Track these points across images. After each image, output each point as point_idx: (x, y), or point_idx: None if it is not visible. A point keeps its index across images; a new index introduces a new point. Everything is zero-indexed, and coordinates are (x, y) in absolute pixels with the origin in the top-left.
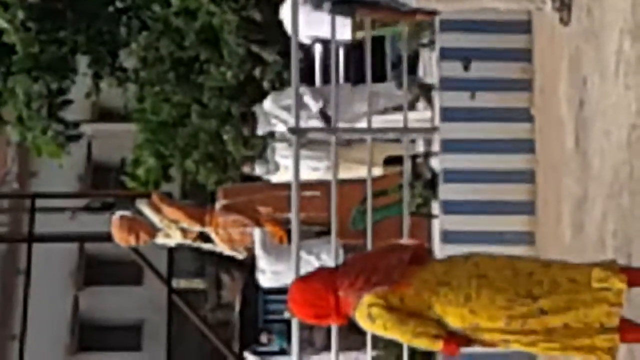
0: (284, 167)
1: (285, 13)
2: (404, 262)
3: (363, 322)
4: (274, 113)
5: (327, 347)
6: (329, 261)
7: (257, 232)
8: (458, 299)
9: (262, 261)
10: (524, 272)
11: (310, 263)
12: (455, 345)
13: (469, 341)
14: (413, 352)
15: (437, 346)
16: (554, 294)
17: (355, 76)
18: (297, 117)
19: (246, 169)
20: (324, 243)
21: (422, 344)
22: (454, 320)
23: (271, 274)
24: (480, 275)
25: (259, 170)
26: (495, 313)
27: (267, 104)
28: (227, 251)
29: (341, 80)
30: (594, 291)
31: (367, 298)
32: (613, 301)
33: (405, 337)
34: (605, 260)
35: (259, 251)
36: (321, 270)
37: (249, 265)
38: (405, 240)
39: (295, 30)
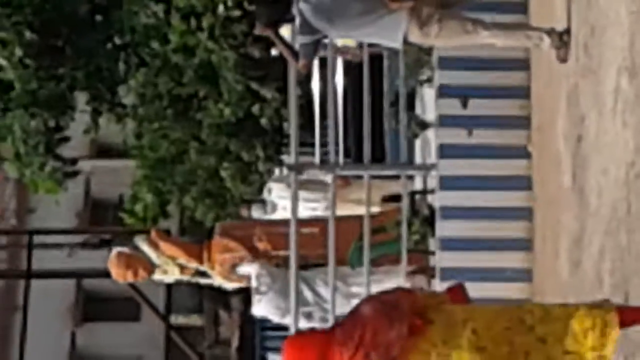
0: (281, 207)
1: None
2: (402, 337)
3: None
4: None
5: None
6: (326, 294)
7: (254, 267)
8: None
9: (259, 310)
10: (521, 351)
11: (309, 301)
12: None
13: None
14: None
15: None
16: None
17: (353, 113)
18: (296, 154)
19: (243, 212)
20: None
21: None
22: None
23: (265, 303)
24: (478, 348)
25: (255, 212)
26: None
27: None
28: (225, 285)
29: (340, 116)
30: None
31: None
32: None
33: None
34: (604, 308)
35: (257, 296)
36: (317, 333)
37: (247, 302)
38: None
39: (294, 68)
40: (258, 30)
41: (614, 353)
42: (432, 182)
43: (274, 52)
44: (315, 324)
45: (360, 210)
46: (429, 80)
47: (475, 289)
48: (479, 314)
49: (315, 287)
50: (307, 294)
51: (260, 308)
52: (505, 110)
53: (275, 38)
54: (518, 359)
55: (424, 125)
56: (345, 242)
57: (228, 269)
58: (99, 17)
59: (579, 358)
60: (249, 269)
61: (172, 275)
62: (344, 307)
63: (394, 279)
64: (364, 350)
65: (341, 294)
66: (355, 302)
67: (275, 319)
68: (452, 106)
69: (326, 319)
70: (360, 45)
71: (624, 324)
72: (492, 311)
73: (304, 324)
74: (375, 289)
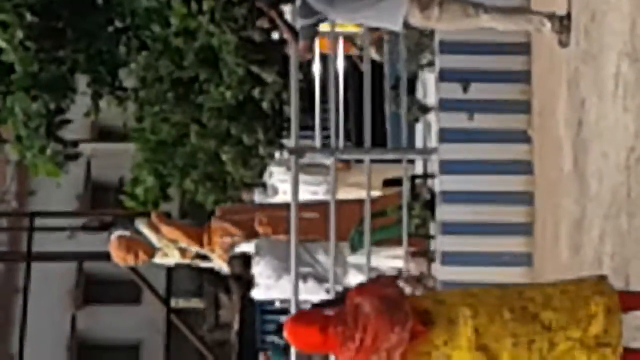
0: (282, 191)
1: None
2: (404, 341)
3: None
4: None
5: None
6: (326, 262)
7: (255, 242)
8: None
9: (258, 270)
10: (525, 341)
11: (307, 263)
12: None
13: None
14: None
15: None
16: (552, 357)
17: (354, 96)
18: (297, 137)
19: (245, 196)
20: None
21: None
22: None
23: (264, 286)
24: (480, 347)
25: (257, 196)
26: None
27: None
28: (225, 268)
29: (340, 100)
30: (592, 349)
31: None
32: (610, 358)
33: None
34: (606, 293)
35: (256, 258)
36: (316, 314)
37: (247, 285)
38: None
39: (294, 49)
40: (260, 4)
41: (620, 337)
42: (433, 166)
43: (275, 35)
44: (310, 287)
45: (361, 194)
46: (430, 64)
47: (475, 273)
48: (481, 305)
49: (314, 254)
50: (305, 256)
51: (260, 270)
52: (506, 95)
53: (277, 18)
54: (522, 348)
55: (424, 109)
56: (346, 225)
57: (227, 250)
58: (99, 0)
59: (580, 344)
60: (247, 247)
61: (172, 258)
62: (340, 277)
63: (395, 260)
64: (364, 354)
65: (339, 263)
66: (352, 272)
67: (271, 282)
68: (453, 90)
69: (322, 283)
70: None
71: (624, 309)
72: (495, 299)
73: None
74: (375, 262)
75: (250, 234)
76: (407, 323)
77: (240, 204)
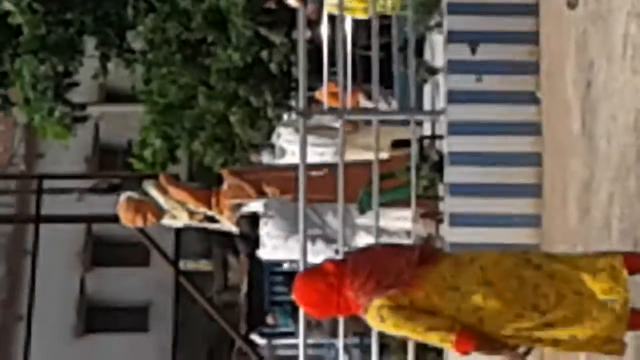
0: (290, 152)
1: None
2: (412, 264)
3: (374, 324)
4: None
5: (335, 330)
6: (334, 223)
7: (264, 202)
8: (467, 308)
9: (266, 230)
10: (530, 283)
11: (315, 224)
12: (469, 338)
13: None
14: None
15: (450, 339)
16: (560, 307)
17: (361, 58)
18: (304, 99)
19: (253, 158)
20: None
21: (435, 338)
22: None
23: (271, 247)
24: (487, 282)
25: (264, 157)
26: (503, 324)
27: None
28: (234, 229)
29: (348, 61)
30: (600, 304)
31: (377, 301)
32: (619, 313)
33: (417, 333)
34: (609, 254)
35: (264, 218)
36: (327, 265)
37: (254, 245)
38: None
39: (303, 12)
40: None
41: (627, 294)
42: (441, 128)
43: None
44: (318, 248)
45: (369, 155)
46: (438, 25)
47: (483, 235)
48: (485, 254)
49: (323, 215)
50: (314, 217)
51: (268, 230)
52: (514, 56)
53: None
54: (527, 291)
55: (432, 71)
56: (354, 187)
57: (235, 210)
58: None
59: (591, 298)
60: (256, 204)
61: (180, 220)
62: (349, 238)
63: (403, 222)
64: (375, 277)
65: (347, 224)
66: (361, 233)
67: (279, 242)
68: (461, 52)
69: (330, 244)
70: None
71: (631, 270)
72: (498, 253)
73: (307, 247)
74: (383, 223)
75: (258, 195)
76: (415, 249)
77: (249, 166)
